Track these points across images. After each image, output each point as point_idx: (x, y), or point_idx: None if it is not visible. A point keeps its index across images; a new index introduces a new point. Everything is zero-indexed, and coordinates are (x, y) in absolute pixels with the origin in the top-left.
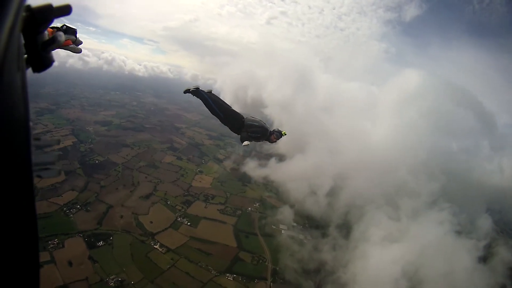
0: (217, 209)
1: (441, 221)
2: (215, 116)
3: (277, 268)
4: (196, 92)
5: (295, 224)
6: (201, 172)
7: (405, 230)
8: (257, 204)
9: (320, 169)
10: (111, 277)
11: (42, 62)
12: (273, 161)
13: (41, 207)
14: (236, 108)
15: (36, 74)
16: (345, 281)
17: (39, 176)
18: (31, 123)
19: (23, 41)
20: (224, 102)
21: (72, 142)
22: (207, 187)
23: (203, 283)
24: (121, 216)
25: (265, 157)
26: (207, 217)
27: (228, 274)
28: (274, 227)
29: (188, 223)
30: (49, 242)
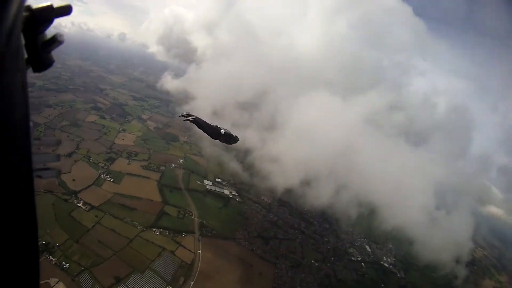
0: (141, 166)
1: None
2: (206, 133)
3: (204, 222)
4: (193, 120)
5: (219, 180)
6: (124, 130)
7: None
8: (181, 160)
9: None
10: None
11: (42, 62)
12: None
13: None
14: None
15: None
16: None
17: (39, 176)
18: (31, 123)
19: (23, 41)
20: (207, 123)
21: None
22: (130, 144)
23: (129, 239)
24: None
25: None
26: (131, 173)
27: (154, 229)
28: (199, 182)
29: (112, 180)
30: None
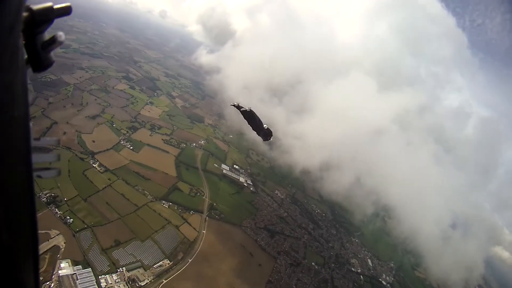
0: (162, 139)
1: None
2: (250, 125)
3: (214, 204)
4: (244, 111)
5: (237, 166)
6: (151, 103)
7: None
8: (203, 141)
9: None
10: (44, 192)
11: (42, 62)
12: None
13: None
14: None
15: None
16: None
17: (39, 176)
18: (31, 123)
19: (23, 41)
20: (256, 117)
21: None
22: (155, 118)
23: (137, 207)
24: (64, 133)
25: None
26: (151, 145)
27: (164, 202)
28: (216, 165)
29: (131, 148)
30: None
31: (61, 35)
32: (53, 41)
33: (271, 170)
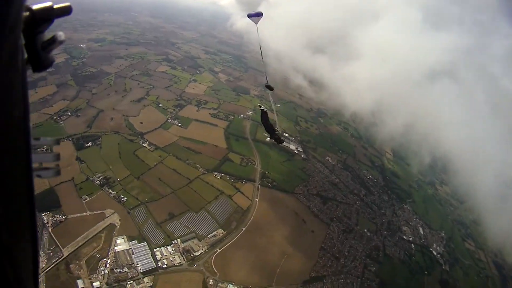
0: (209, 113)
1: None
2: (264, 125)
3: (266, 173)
4: (263, 111)
5: (286, 134)
6: (195, 81)
7: None
8: (250, 112)
9: None
10: (97, 175)
11: (42, 62)
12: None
13: (32, 118)
14: None
15: None
16: None
17: (39, 176)
18: (31, 124)
19: (23, 41)
20: (269, 120)
21: (64, 58)
22: (200, 94)
23: (189, 180)
24: (112, 119)
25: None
26: (199, 120)
27: (216, 173)
28: (266, 134)
29: (179, 124)
30: (38, 149)
31: (60, 34)
32: (53, 41)
33: (320, 136)
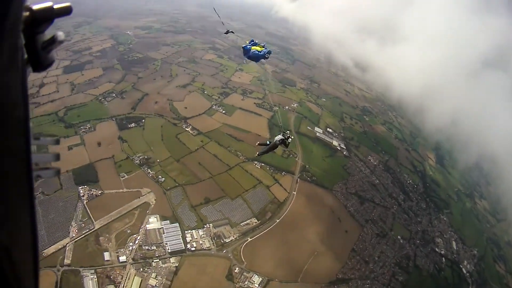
0: (254, 103)
1: None
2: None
3: (307, 166)
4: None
5: (330, 130)
6: (241, 70)
7: None
8: (295, 105)
9: None
10: (138, 155)
11: (42, 62)
12: None
13: (77, 99)
14: None
15: None
16: None
17: (38, 176)
18: (31, 124)
19: (23, 41)
20: (270, 147)
21: (111, 44)
22: (246, 83)
23: (229, 167)
24: (156, 102)
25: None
26: (243, 108)
27: (256, 162)
28: (309, 128)
29: (223, 111)
30: (81, 127)
31: (60, 34)
32: (53, 41)
33: (364, 135)
